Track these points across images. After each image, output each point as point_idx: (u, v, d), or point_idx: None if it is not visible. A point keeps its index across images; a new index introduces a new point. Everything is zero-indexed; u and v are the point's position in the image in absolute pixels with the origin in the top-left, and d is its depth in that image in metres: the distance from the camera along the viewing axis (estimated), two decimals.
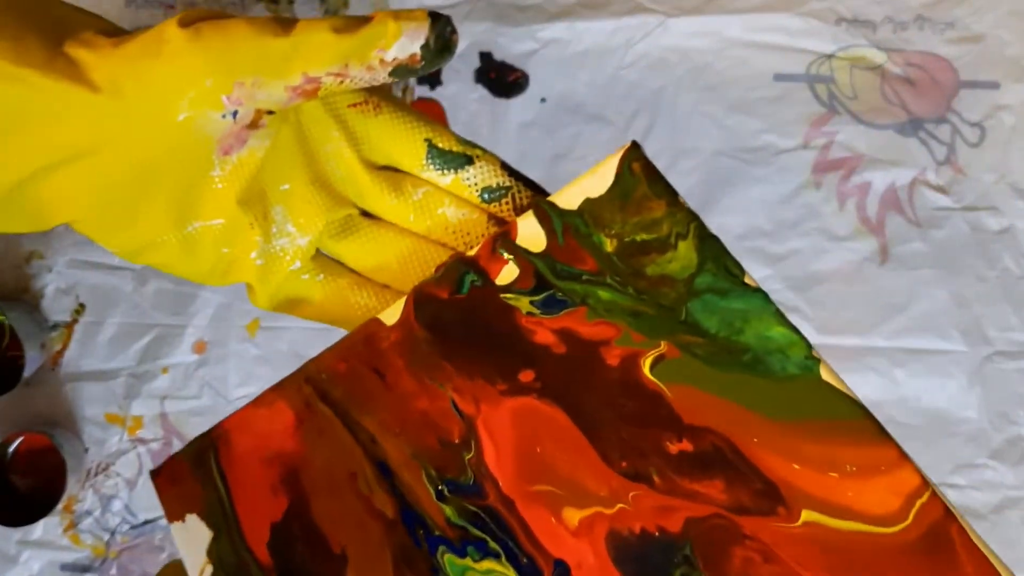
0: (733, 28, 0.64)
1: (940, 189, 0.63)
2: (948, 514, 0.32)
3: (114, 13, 0.69)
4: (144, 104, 0.31)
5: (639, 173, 0.37)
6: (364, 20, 0.33)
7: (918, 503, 0.31)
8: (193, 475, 0.40)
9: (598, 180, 0.37)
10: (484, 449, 0.36)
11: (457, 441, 0.37)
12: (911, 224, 0.63)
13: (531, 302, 0.37)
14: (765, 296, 0.35)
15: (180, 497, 0.40)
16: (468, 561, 0.36)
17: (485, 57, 0.67)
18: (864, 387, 0.63)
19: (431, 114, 0.69)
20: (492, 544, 0.36)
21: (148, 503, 0.66)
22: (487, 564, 0.36)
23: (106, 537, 0.66)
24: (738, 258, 0.37)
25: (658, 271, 0.36)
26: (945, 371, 0.62)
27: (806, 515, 0.32)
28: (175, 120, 0.32)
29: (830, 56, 0.64)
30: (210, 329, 0.66)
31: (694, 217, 0.36)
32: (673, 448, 0.34)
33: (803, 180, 0.64)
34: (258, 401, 0.39)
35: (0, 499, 0.64)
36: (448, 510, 0.37)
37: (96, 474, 0.67)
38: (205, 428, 0.68)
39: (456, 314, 0.38)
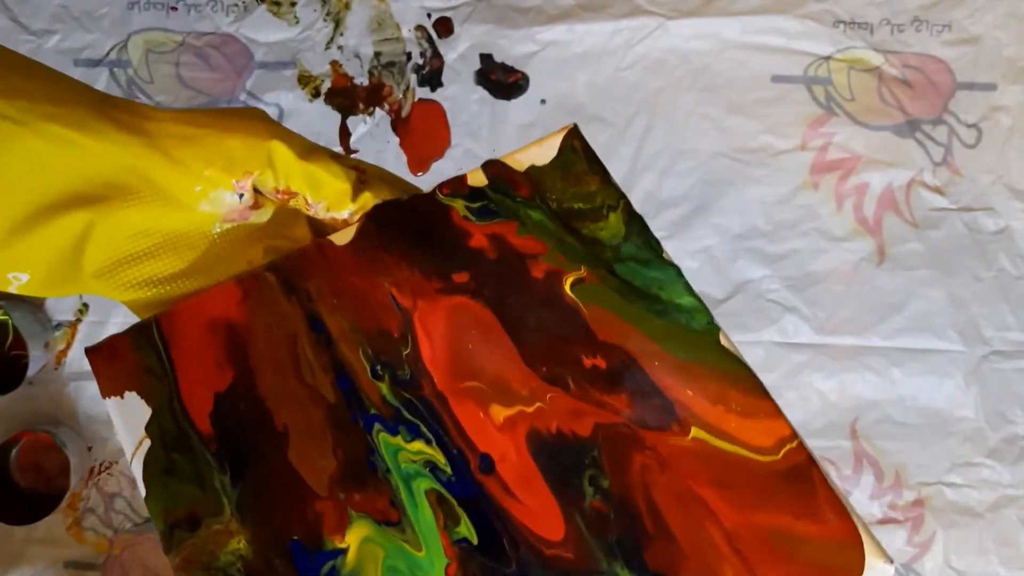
0: (731, 30, 0.65)
1: (937, 190, 0.63)
2: (810, 460, 0.37)
3: (116, 14, 0.70)
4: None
5: (579, 151, 0.41)
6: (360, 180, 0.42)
7: (787, 447, 0.37)
8: (133, 351, 0.42)
9: (543, 151, 0.41)
10: (421, 345, 0.40)
11: (396, 335, 0.40)
12: (908, 224, 0.63)
13: (466, 207, 0.41)
14: (678, 271, 0.40)
15: (118, 374, 0.42)
16: (400, 440, 0.39)
17: (485, 59, 0.68)
18: (862, 386, 0.63)
19: (432, 115, 0.69)
20: (424, 429, 0.39)
21: None
22: (418, 445, 0.39)
23: (109, 534, 0.67)
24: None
25: (590, 235, 0.40)
26: (942, 370, 0.63)
27: (695, 432, 0.37)
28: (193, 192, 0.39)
29: (828, 58, 0.64)
30: None
31: (623, 196, 0.40)
32: (587, 362, 0.38)
33: (801, 181, 0.64)
34: (207, 289, 0.42)
35: (4, 497, 0.64)
36: (383, 388, 0.40)
37: (99, 472, 0.67)
38: None
39: (397, 212, 0.41)
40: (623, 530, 0.37)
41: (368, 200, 0.41)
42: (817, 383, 0.63)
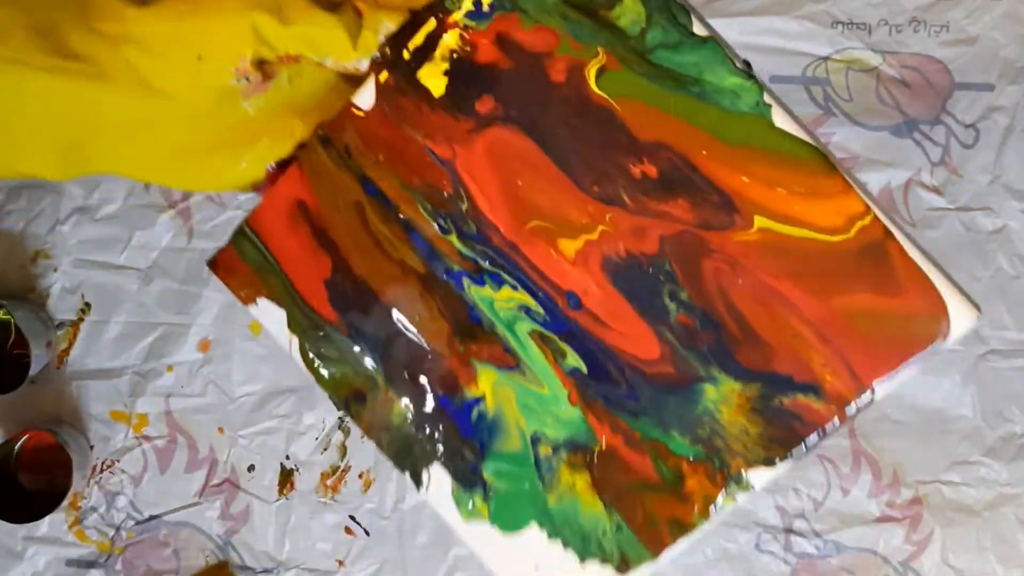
0: (730, 31, 0.65)
1: (935, 190, 0.64)
2: (887, 234, 0.36)
3: None
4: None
5: None
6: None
7: (859, 224, 0.36)
8: (241, 260, 0.47)
9: None
10: (476, 199, 0.40)
11: (449, 192, 0.41)
12: (906, 224, 0.64)
13: (465, 15, 0.39)
14: (716, 45, 0.37)
15: (243, 284, 0.47)
16: (488, 291, 0.41)
17: None
18: None
19: None
20: (506, 276, 0.41)
21: (153, 499, 0.67)
22: (507, 292, 0.41)
23: (111, 533, 0.67)
24: None
25: (609, 24, 0.38)
26: (940, 369, 0.63)
27: (759, 222, 0.36)
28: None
29: (826, 59, 0.64)
30: (214, 328, 0.67)
31: None
32: (635, 170, 0.38)
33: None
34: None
35: (6, 496, 0.65)
36: (455, 241, 0.41)
37: (101, 471, 0.68)
38: (209, 426, 0.69)
39: (401, 40, 0.40)
40: (711, 338, 0.39)
41: (370, 41, 0.40)
42: None
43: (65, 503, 0.65)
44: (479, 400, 0.42)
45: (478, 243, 0.40)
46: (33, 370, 0.65)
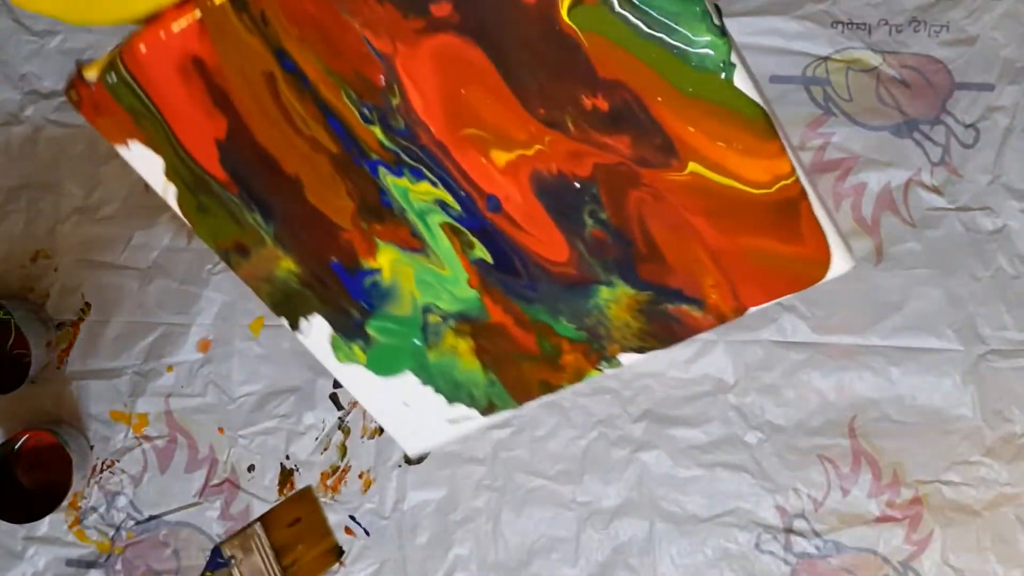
0: (730, 31, 0.65)
1: (935, 190, 0.64)
2: (802, 194, 0.37)
3: None
4: None
5: None
6: None
7: (782, 182, 0.37)
8: (114, 101, 0.41)
9: None
10: (410, 97, 0.38)
11: (381, 85, 0.39)
12: (906, 224, 0.64)
13: None
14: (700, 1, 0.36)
15: (113, 125, 0.42)
16: (406, 182, 0.40)
17: None
18: (860, 385, 0.63)
19: None
20: (427, 173, 0.40)
21: (153, 499, 0.67)
22: (424, 187, 0.40)
23: (111, 533, 0.67)
24: None
25: None
26: (940, 370, 0.63)
27: (692, 167, 0.38)
28: None
29: (826, 58, 0.64)
30: (214, 328, 0.67)
31: None
32: (587, 102, 0.37)
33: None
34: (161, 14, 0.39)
35: (6, 496, 0.65)
36: (378, 132, 0.39)
37: (101, 471, 0.68)
38: (209, 425, 0.69)
39: None
40: (619, 252, 0.40)
41: None
42: (815, 382, 0.64)
43: (65, 503, 0.65)
44: (375, 271, 0.42)
45: (403, 138, 0.39)
46: (33, 370, 0.65)
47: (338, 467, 0.66)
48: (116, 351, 0.68)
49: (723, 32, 0.37)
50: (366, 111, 0.39)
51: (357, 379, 0.46)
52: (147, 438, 0.68)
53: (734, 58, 0.36)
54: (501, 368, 0.44)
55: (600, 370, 0.43)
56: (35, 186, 0.68)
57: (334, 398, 0.67)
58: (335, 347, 0.45)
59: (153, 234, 0.68)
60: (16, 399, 0.67)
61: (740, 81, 0.37)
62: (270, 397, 0.67)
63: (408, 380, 0.45)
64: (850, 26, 0.64)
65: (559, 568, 0.64)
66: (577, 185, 0.39)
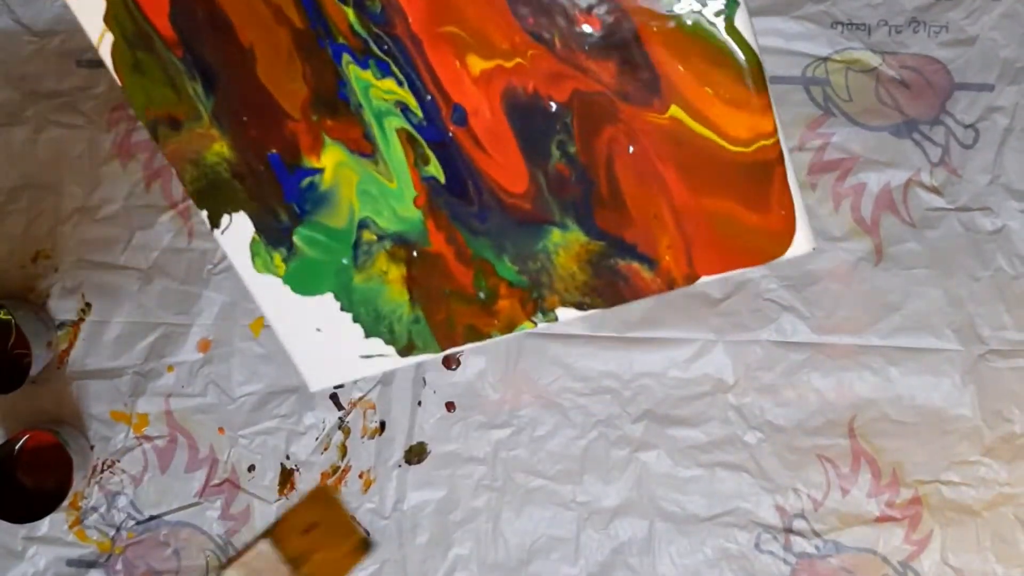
0: None
1: (934, 190, 0.64)
2: (780, 159, 0.37)
3: None
4: None
5: None
6: None
7: (761, 143, 0.36)
8: None
9: None
10: None
11: None
12: (905, 224, 0.64)
13: None
14: None
15: None
16: (370, 76, 0.38)
17: None
18: (859, 385, 0.63)
19: None
20: (395, 69, 0.38)
21: (153, 499, 0.67)
22: (389, 84, 0.38)
23: (112, 533, 0.67)
24: None
25: None
26: (939, 369, 0.63)
27: (674, 110, 0.36)
28: None
29: (825, 59, 0.64)
30: (215, 328, 0.67)
31: None
32: (581, 19, 0.36)
33: (799, 181, 0.64)
34: None
35: (7, 496, 0.65)
36: (350, 15, 0.38)
37: (102, 471, 0.68)
38: (210, 425, 0.69)
39: None
40: (580, 193, 0.39)
41: None
42: (815, 382, 0.64)
43: (65, 503, 0.65)
44: (316, 171, 0.40)
45: (377, 25, 0.37)
46: (34, 370, 0.65)
47: (338, 467, 0.66)
48: (116, 351, 0.68)
49: None
50: None
51: (271, 294, 0.43)
52: (147, 438, 0.68)
53: None
54: (430, 305, 0.42)
55: (534, 323, 0.41)
56: (35, 186, 0.68)
57: (334, 398, 0.67)
58: (254, 252, 0.42)
59: (153, 234, 0.68)
60: (16, 399, 0.67)
61: (740, 22, 0.36)
62: (270, 397, 0.67)
63: (326, 303, 0.42)
64: (850, 27, 0.64)
65: (559, 568, 0.64)
66: (552, 107, 0.37)
